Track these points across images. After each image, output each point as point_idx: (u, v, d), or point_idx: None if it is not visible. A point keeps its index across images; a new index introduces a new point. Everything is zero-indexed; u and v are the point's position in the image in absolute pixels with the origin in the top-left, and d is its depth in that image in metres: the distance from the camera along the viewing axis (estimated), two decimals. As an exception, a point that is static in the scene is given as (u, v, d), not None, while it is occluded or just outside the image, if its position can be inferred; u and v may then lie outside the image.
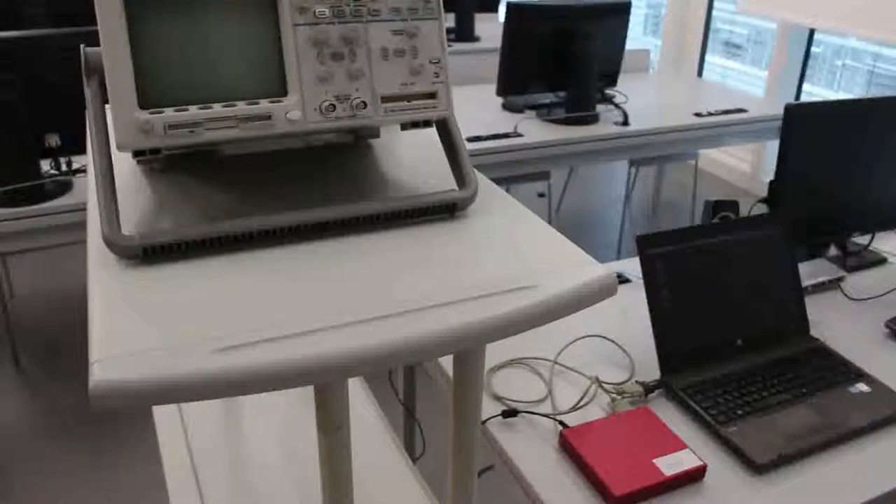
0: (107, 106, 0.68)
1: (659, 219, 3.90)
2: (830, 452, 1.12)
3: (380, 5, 0.72)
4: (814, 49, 3.96)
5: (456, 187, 0.80)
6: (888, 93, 3.30)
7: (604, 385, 1.21)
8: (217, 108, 0.68)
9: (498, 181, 0.87)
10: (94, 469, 2.16)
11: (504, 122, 2.61)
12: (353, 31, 0.71)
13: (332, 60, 0.70)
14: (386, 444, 1.33)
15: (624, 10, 2.73)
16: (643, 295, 1.23)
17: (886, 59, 3.61)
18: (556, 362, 1.28)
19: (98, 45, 0.65)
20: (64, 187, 1.99)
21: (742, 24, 4.40)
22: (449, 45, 0.76)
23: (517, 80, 2.66)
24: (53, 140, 1.90)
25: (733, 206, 1.65)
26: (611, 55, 2.76)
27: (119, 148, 0.66)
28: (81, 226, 1.96)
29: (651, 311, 1.23)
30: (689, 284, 1.27)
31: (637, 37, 5.35)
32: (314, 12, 0.70)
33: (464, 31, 3.69)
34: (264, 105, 0.69)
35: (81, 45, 0.71)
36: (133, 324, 0.58)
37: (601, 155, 2.68)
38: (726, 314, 1.31)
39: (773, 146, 4.06)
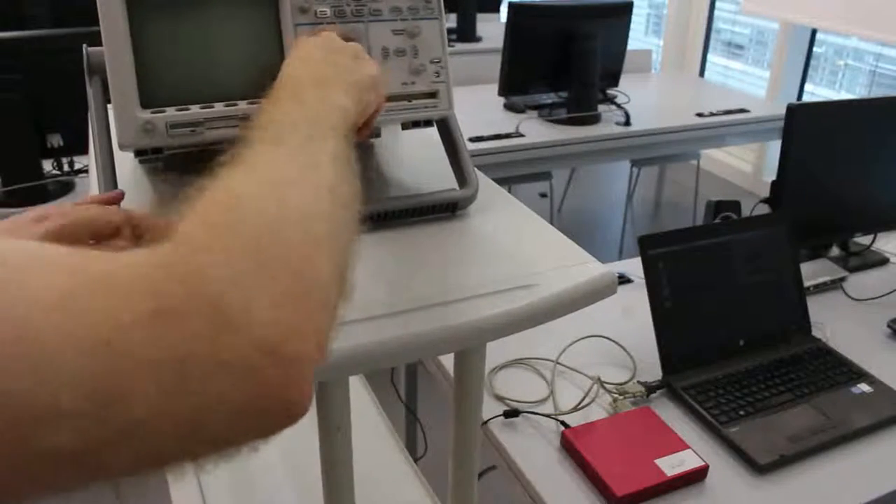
0: (109, 106, 0.69)
1: (660, 219, 3.89)
2: (832, 453, 1.11)
3: (381, 5, 0.72)
4: (816, 49, 3.95)
5: (457, 187, 0.80)
6: (890, 93, 3.29)
7: (605, 385, 1.21)
8: (219, 108, 0.68)
9: (499, 181, 0.87)
10: (96, 469, 2.16)
11: (505, 122, 2.61)
12: (354, 31, 0.71)
13: (334, 60, 0.70)
14: (387, 445, 1.33)
15: (626, 10, 2.73)
16: (645, 295, 1.23)
17: (888, 59, 3.61)
18: (557, 362, 1.27)
19: (100, 44, 0.66)
20: (66, 187, 1.99)
21: (744, 23, 4.40)
22: (450, 46, 0.76)
23: (519, 80, 2.66)
24: (56, 140, 1.90)
25: (735, 206, 1.65)
26: (612, 55, 2.76)
27: (121, 147, 0.67)
28: (83, 226, 1.95)
29: (653, 311, 1.23)
30: (690, 285, 1.27)
31: (639, 37, 5.35)
32: (315, 12, 0.70)
33: (465, 32, 3.69)
34: (266, 105, 0.69)
35: (84, 45, 0.71)
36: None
37: (603, 155, 2.68)
38: (728, 314, 1.30)
39: (774, 146, 4.04)
